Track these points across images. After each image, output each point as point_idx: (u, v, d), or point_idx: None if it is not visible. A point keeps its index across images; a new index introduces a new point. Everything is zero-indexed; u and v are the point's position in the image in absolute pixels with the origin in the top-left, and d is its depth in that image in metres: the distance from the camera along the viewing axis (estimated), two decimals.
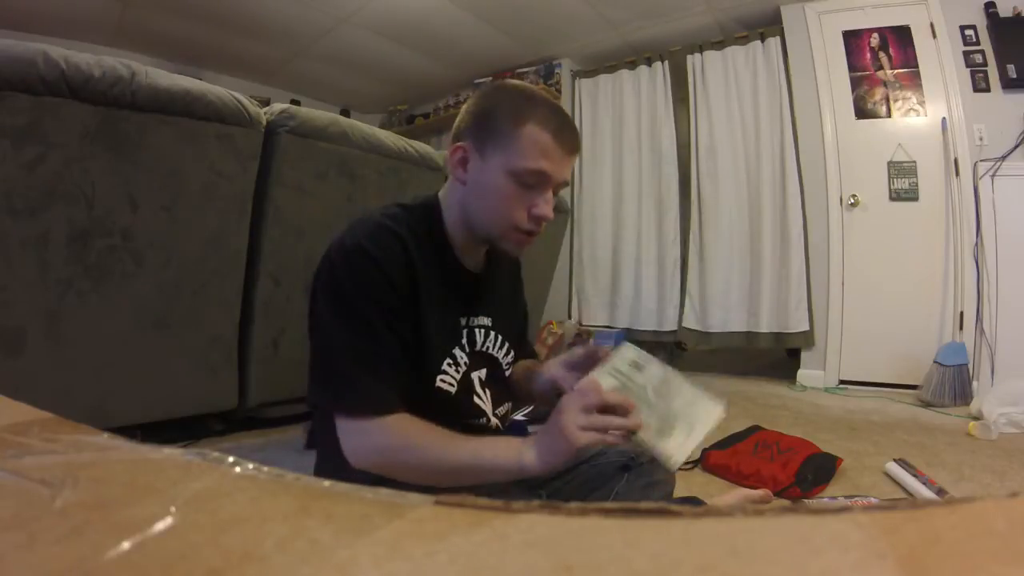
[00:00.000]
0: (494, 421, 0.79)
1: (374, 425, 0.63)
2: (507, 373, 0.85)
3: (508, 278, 0.90)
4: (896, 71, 2.63)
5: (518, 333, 0.91)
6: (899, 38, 2.63)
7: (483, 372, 0.79)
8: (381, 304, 0.66)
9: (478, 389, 0.77)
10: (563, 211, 2.49)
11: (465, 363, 0.75)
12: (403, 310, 0.68)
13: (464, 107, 0.74)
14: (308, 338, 0.73)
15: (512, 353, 0.85)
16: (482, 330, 0.79)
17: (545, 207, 0.70)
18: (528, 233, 0.72)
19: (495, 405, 0.80)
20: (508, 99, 0.70)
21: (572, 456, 0.60)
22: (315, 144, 1.46)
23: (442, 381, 0.72)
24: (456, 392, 0.74)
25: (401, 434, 0.64)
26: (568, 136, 0.70)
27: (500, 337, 0.82)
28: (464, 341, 0.76)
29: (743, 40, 3.03)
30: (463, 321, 0.77)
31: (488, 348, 0.80)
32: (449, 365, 0.73)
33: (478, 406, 0.77)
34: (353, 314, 0.65)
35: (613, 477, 0.85)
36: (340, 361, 0.65)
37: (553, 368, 0.81)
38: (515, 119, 0.67)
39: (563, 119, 0.70)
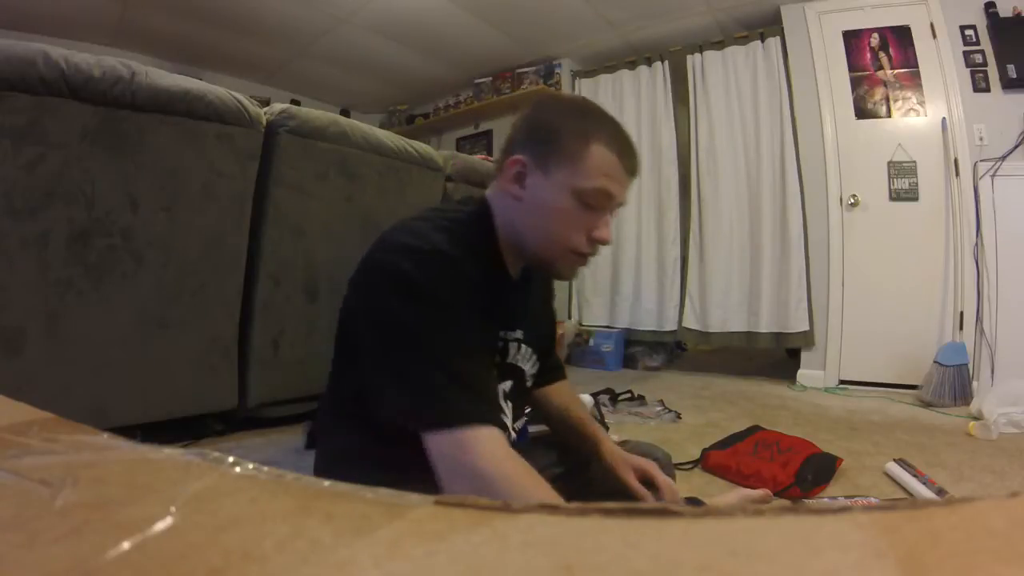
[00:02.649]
0: (512, 435, 0.77)
1: (478, 440, 0.55)
2: (528, 384, 0.83)
3: (541, 288, 0.87)
4: (896, 71, 2.63)
5: (547, 343, 0.88)
6: (899, 38, 2.63)
7: (508, 384, 0.77)
8: (468, 305, 0.61)
9: (502, 402, 0.75)
10: None
11: (495, 376, 0.74)
12: (475, 311, 0.64)
13: (520, 118, 0.71)
14: (341, 325, 0.71)
15: (538, 365, 0.83)
16: (515, 343, 0.77)
17: (605, 229, 0.68)
18: (584, 256, 0.69)
19: (514, 419, 0.78)
20: (574, 115, 0.68)
21: None
22: (315, 144, 1.46)
23: None
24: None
25: (506, 463, 0.56)
26: (632, 157, 0.69)
27: (530, 349, 0.80)
28: (500, 353, 0.74)
29: (743, 40, 3.03)
30: (501, 334, 0.75)
31: (518, 360, 0.78)
32: None
33: (501, 419, 0.76)
34: (442, 317, 0.59)
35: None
36: (433, 369, 0.58)
37: (622, 468, 0.81)
38: (582, 137, 0.65)
39: (627, 140, 0.68)
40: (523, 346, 0.78)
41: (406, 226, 0.66)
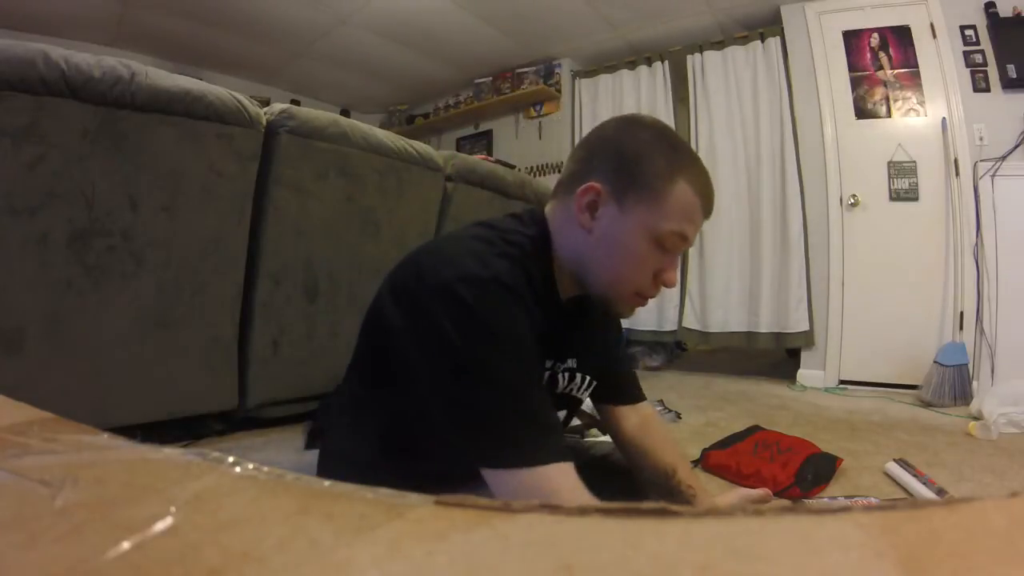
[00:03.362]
0: None
1: (549, 477, 0.53)
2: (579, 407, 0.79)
3: (600, 325, 0.80)
4: (896, 71, 2.63)
5: (608, 363, 0.82)
6: (899, 38, 2.63)
7: (563, 414, 0.74)
8: (528, 338, 0.57)
9: None
10: None
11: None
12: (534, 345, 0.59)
13: (598, 139, 0.66)
14: (368, 337, 0.67)
15: (592, 387, 0.77)
16: (567, 373, 0.72)
17: (673, 272, 0.64)
18: (647, 298, 0.66)
19: None
20: (659, 147, 0.62)
21: None
22: (315, 144, 1.46)
23: None
24: None
25: (580, 499, 0.53)
26: (711, 198, 0.64)
27: (587, 377, 0.75)
28: (547, 385, 0.69)
29: (743, 40, 3.03)
30: (548, 364, 0.69)
31: (572, 390, 0.74)
32: None
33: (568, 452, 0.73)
34: (506, 351, 0.55)
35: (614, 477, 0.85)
36: (501, 418, 0.54)
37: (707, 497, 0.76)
38: (667, 173, 0.60)
39: (708, 179, 0.64)
40: (577, 375, 0.73)
41: (464, 246, 0.61)
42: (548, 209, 0.68)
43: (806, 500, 1.25)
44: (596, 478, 0.76)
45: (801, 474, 1.29)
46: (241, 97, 1.33)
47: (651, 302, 2.55)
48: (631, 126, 0.65)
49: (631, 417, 0.82)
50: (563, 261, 0.66)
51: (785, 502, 1.23)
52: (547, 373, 0.68)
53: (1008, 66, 2.36)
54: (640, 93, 3.38)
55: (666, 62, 3.29)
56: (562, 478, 0.53)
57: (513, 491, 0.53)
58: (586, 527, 0.14)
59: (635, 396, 0.85)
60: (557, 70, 3.72)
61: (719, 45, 3.10)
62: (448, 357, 0.56)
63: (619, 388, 0.84)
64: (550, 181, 2.46)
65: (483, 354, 0.55)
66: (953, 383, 2.24)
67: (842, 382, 2.65)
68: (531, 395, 0.56)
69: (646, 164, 0.60)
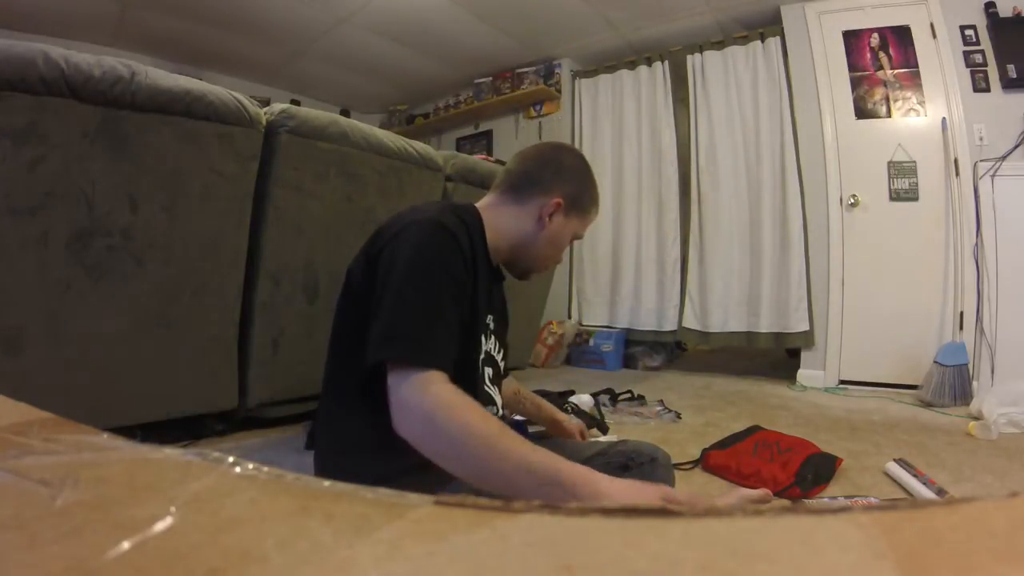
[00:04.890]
0: (499, 412, 0.86)
1: (431, 380, 0.62)
2: (503, 373, 0.95)
3: (503, 296, 1.01)
4: (896, 71, 2.63)
5: (505, 341, 0.99)
6: (899, 38, 2.63)
7: (490, 371, 0.85)
8: (453, 276, 0.71)
9: (488, 385, 0.83)
10: None
11: (483, 355, 0.82)
12: (467, 287, 0.73)
13: (554, 159, 0.88)
14: (337, 323, 0.80)
15: (505, 361, 0.95)
16: (490, 331, 0.87)
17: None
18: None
19: (499, 403, 0.86)
20: (591, 180, 0.91)
21: (644, 501, 0.63)
22: (315, 144, 1.46)
23: (474, 361, 0.78)
24: (477, 376, 0.79)
25: (455, 402, 0.60)
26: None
27: (498, 343, 0.92)
28: (485, 334, 0.84)
29: (743, 40, 3.03)
30: (488, 317, 0.85)
31: (491, 349, 0.87)
32: (477, 352, 0.80)
33: (490, 395, 0.83)
34: (428, 278, 0.69)
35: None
36: (406, 319, 0.67)
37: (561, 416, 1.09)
38: (593, 200, 0.91)
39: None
40: (494, 338, 0.89)
41: (417, 208, 0.79)
42: (488, 200, 0.88)
43: (806, 500, 1.25)
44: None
45: (801, 474, 1.29)
46: (241, 97, 1.33)
47: (651, 302, 2.67)
48: (581, 159, 0.92)
49: (509, 383, 1.07)
50: (501, 240, 0.85)
51: (785, 502, 1.23)
52: (486, 326, 0.85)
53: (1008, 66, 2.36)
54: (640, 93, 3.38)
55: (666, 62, 3.29)
56: (460, 395, 0.63)
57: (407, 389, 0.62)
58: (586, 527, 0.14)
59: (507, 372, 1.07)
60: (557, 70, 3.72)
61: (719, 45, 3.10)
62: (384, 282, 0.69)
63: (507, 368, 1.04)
64: None
65: (411, 274, 0.69)
66: (953, 383, 2.24)
67: (842, 382, 2.65)
68: (440, 314, 0.68)
69: (587, 193, 0.89)
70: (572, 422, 1.11)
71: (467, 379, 0.73)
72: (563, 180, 0.86)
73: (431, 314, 0.67)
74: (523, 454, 0.57)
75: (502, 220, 0.85)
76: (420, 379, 0.62)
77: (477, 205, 0.88)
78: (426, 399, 0.60)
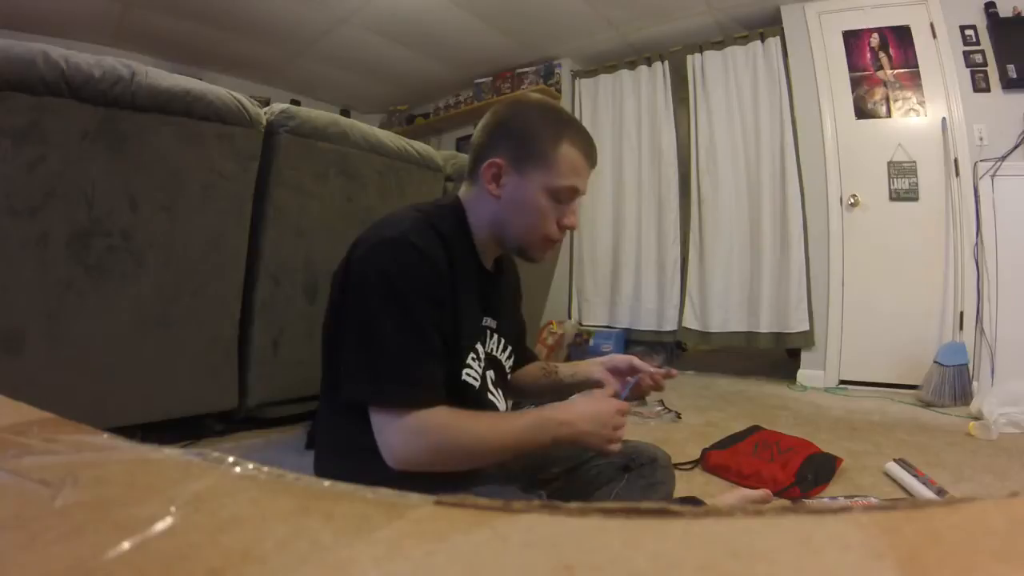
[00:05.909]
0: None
1: (421, 420, 0.64)
2: (508, 374, 0.89)
3: (511, 288, 0.94)
4: (896, 71, 2.63)
5: (517, 338, 0.94)
6: (899, 38, 2.63)
7: (492, 373, 0.82)
8: (427, 297, 0.67)
9: (491, 387, 0.81)
10: None
11: (483, 361, 0.79)
12: (445, 302, 0.70)
13: (490, 122, 0.77)
14: (327, 333, 0.75)
15: (512, 358, 0.89)
16: (491, 332, 0.83)
17: (573, 217, 0.77)
18: (555, 241, 0.78)
19: (505, 404, 0.85)
20: (544, 120, 0.75)
21: (599, 423, 0.69)
22: (315, 144, 1.46)
23: (467, 375, 0.75)
24: (479, 387, 0.77)
25: (450, 425, 0.65)
26: (594, 153, 0.78)
27: (503, 340, 0.86)
28: (482, 340, 0.80)
29: (743, 40, 3.02)
30: (483, 321, 0.80)
31: (492, 350, 0.83)
32: (473, 360, 0.76)
33: (493, 403, 0.81)
34: (401, 307, 0.66)
35: (613, 478, 0.86)
36: (384, 355, 0.65)
37: (596, 369, 0.91)
38: (553, 140, 0.73)
39: (589, 137, 0.77)
40: (496, 336, 0.84)
41: (385, 218, 0.74)
42: (462, 191, 0.81)
43: (806, 500, 1.25)
44: (595, 477, 0.83)
45: (801, 474, 1.29)
46: (241, 97, 1.33)
47: (651, 302, 2.63)
48: (518, 105, 0.78)
49: (530, 368, 0.99)
50: (481, 230, 0.78)
51: (785, 502, 1.23)
52: (484, 329, 0.80)
53: (1008, 66, 2.36)
54: (640, 93, 3.38)
55: (666, 62, 3.29)
56: (447, 414, 0.66)
57: (396, 432, 0.65)
58: (586, 527, 0.14)
59: (534, 356, 1.02)
60: (557, 70, 3.72)
61: (719, 45, 3.10)
62: (352, 310, 0.69)
63: (528, 359, 0.99)
64: None
65: (382, 302, 0.66)
66: (953, 383, 2.24)
67: (842, 382, 2.65)
68: (421, 343, 0.67)
69: (535, 135, 0.73)
70: (608, 380, 0.92)
71: (457, 391, 0.72)
72: (499, 138, 0.75)
73: (408, 346, 0.65)
74: (513, 430, 0.68)
75: (472, 206, 0.78)
76: (403, 424, 0.64)
77: (459, 195, 0.81)
78: (410, 443, 0.65)
